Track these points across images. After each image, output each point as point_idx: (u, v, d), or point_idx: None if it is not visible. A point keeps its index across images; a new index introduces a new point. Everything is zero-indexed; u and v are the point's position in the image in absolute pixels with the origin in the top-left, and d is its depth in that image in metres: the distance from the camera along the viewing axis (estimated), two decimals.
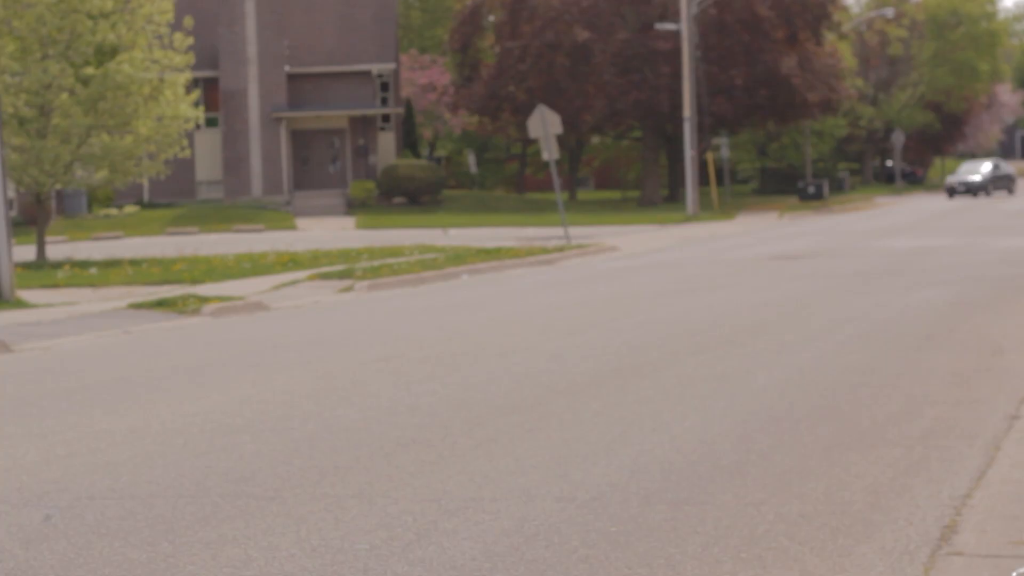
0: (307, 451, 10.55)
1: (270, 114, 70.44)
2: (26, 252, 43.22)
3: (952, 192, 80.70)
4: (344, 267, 32.61)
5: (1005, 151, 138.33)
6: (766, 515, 8.23)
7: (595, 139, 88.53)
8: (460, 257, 35.00)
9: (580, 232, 50.53)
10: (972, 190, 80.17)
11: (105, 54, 39.55)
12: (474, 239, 48.12)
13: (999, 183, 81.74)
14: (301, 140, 72.46)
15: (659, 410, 11.96)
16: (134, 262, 38.24)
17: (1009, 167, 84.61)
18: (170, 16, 40.93)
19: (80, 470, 10.09)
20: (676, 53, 67.74)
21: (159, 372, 15.83)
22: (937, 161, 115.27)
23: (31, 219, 58.64)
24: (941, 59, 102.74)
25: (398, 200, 70.59)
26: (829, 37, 79.10)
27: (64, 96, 39.23)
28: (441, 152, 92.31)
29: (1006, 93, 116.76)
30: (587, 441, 10.44)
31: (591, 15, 72.96)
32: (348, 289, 28.22)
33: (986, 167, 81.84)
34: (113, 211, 45.87)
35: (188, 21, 44.66)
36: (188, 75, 41.96)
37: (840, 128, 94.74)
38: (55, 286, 31.56)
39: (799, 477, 9.22)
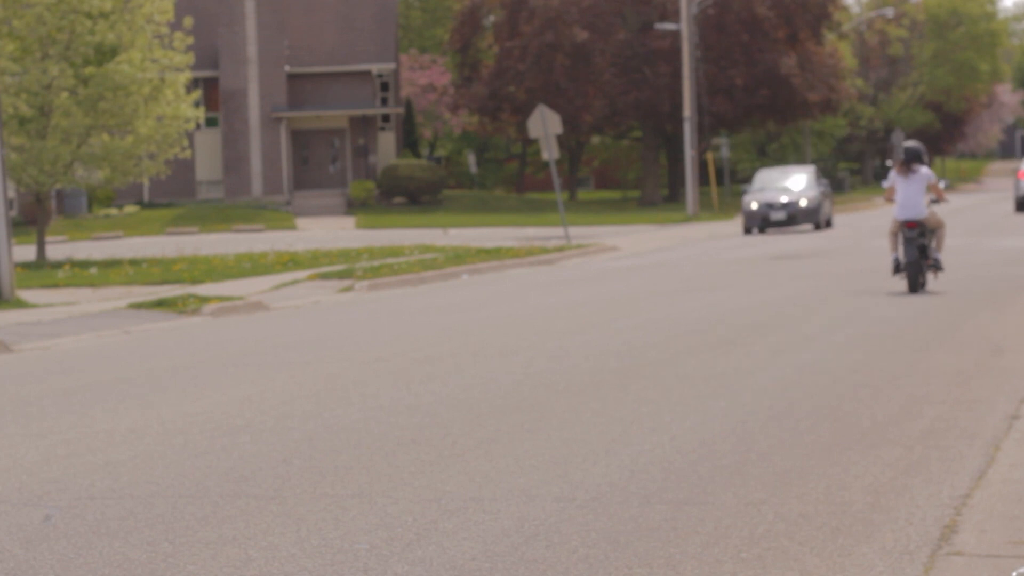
0: (307, 451, 10.54)
1: (270, 114, 70.44)
2: (26, 252, 43.20)
3: (763, 223, 48.64)
4: (344, 267, 32.60)
5: (1005, 151, 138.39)
6: (766, 515, 8.23)
7: (595, 139, 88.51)
8: (460, 257, 34.99)
9: (580, 232, 50.52)
10: (794, 219, 48.97)
11: (105, 54, 39.55)
12: (474, 239, 48.11)
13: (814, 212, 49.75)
14: (301, 140, 72.46)
15: (659, 410, 11.95)
16: (134, 262, 38.22)
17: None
18: (170, 16, 40.93)
19: (80, 470, 10.09)
20: (676, 53, 67.74)
21: (159, 372, 15.83)
22: (937, 161, 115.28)
23: (31, 219, 58.61)
24: (941, 59, 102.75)
25: (398, 200, 70.58)
26: (829, 37, 79.09)
27: (64, 96, 39.22)
28: (441, 152, 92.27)
29: (1006, 93, 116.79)
30: (587, 441, 10.43)
31: (591, 15, 72.96)
32: (348, 289, 28.22)
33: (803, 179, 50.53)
34: (113, 211, 45.86)
35: (188, 21, 44.66)
36: (188, 75, 41.96)
37: (840, 128, 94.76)
38: (55, 286, 31.55)
39: (799, 477, 9.22)
